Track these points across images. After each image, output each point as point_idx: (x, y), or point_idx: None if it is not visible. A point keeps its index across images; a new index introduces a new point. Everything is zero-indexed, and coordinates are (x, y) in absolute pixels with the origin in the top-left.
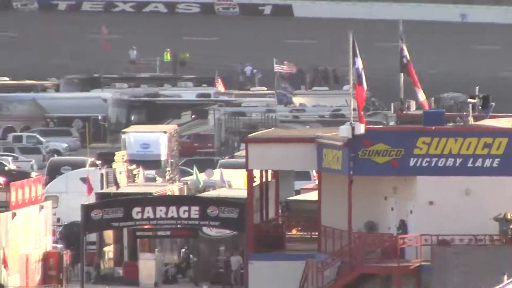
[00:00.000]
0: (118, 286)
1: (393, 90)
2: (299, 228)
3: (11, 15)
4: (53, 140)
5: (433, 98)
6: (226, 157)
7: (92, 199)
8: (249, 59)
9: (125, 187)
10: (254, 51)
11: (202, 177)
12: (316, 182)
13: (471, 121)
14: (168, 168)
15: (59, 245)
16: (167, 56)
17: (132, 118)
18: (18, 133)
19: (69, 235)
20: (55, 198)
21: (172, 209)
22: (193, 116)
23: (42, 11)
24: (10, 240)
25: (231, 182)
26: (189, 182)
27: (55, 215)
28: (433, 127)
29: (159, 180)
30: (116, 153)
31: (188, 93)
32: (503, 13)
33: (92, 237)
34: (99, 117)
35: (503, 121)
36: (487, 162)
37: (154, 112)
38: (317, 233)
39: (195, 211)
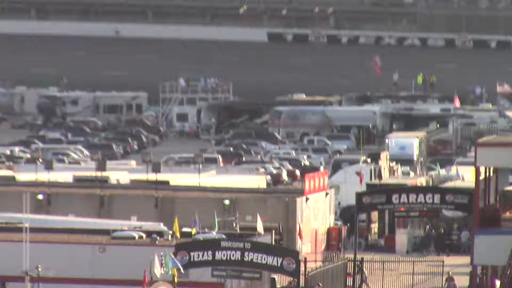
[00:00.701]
0: (380, 253)
1: None
2: (511, 212)
3: (307, 47)
4: (336, 143)
5: None
6: (461, 157)
7: (363, 188)
8: (479, 82)
9: (387, 179)
10: (483, 76)
11: (443, 172)
12: None
13: None
14: (419, 165)
15: (339, 222)
16: (420, 79)
17: (394, 126)
18: (311, 137)
19: (347, 214)
20: (337, 187)
21: (421, 196)
22: (438, 125)
23: (329, 43)
24: (304, 218)
25: (464, 176)
26: (433, 176)
27: (337, 200)
28: None
29: (412, 174)
30: (381, 153)
31: (434, 107)
32: None
33: (363, 216)
34: (370, 126)
35: None
36: None
37: (409, 122)
38: None
39: (437, 197)
